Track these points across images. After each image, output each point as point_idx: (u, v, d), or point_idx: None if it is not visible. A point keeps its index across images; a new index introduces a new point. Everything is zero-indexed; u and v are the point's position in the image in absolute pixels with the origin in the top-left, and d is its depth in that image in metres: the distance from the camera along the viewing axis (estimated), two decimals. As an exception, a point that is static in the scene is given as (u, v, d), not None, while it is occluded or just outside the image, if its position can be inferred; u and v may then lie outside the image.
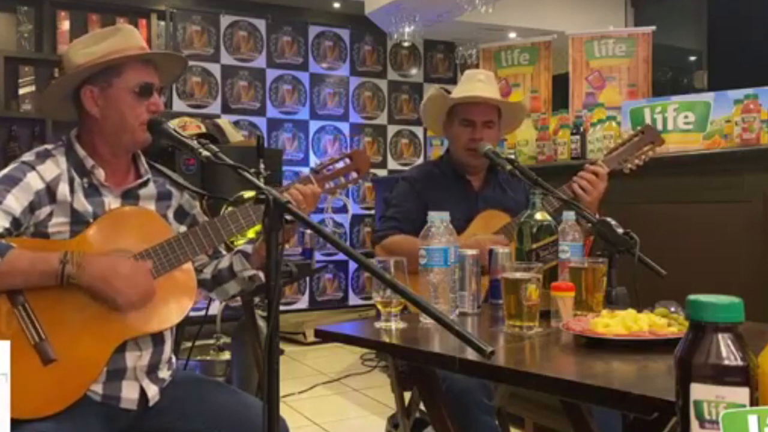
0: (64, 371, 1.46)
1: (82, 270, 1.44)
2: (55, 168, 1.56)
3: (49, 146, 1.62)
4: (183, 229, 1.72)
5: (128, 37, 1.62)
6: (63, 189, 1.54)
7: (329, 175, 1.72)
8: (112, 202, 1.60)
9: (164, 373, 1.65)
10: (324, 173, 1.72)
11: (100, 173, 1.60)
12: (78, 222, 1.54)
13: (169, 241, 1.56)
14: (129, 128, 1.59)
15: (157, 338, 1.61)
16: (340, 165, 1.74)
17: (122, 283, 1.46)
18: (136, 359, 1.57)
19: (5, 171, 1.54)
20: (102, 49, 1.59)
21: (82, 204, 1.56)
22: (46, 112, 1.74)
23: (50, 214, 1.52)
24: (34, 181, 1.52)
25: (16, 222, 1.48)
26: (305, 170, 5.59)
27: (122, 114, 1.58)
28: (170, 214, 1.72)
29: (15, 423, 1.38)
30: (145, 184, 1.68)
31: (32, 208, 1.51)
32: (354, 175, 1.75)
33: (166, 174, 1.75)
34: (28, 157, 1.57)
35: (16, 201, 1.48)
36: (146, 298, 1.51)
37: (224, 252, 1.81)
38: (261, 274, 1.69)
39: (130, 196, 1.64)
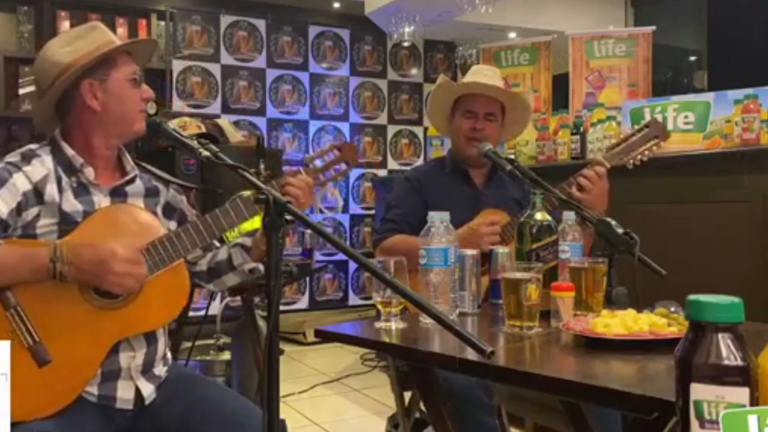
0: (59, 373, 1.45)
1: (74, 267, 1.43)
2: (42, 168, 1.54)
3: (33, 146, 1.59)
4: (173, 224, 1.71)
5: (106, 33, 1.63)
6: (51, 190, 1.52)
7: (320, 168, 1.73)
8: (101, 200, 1.59)
9: (160, 370, 1.65)
10: (314, 165, 1.73)
11: (90, 172, 1.58)
12: (67, 222, 1.52)
13: (161, 239, 1.55)
14: (129, 117, 1.60)
15: (150, 337, 1.60)
16: (329, 157, 1.75)
17: (118, 278, 1.44)
18: (130, 359, 1.56)
19: None
20: (87, 45, 1.58)
21: (72, 204, 1.54)
22: (40, 124, 1.71)
23: (37, 216, 1.51)
24: (20, 183, 1.49)
25: (3, 224, 1.47)
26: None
27: (123, 103, 1.59)
28: (159, 210, 1.71)
29: (11, 425, 1.38)
30: (131, 180, 1.67)
31: (19, 209, 1.49)
32: (343, 166, 1.75)
33: (151, 170, 1.74)
34: (12, 158, 1.54)
35: (2, 203, 1.46)
36: (140, 282, 1.49)
37: (217, 244, 1.80)
38: (261, 267, 1.69)
39: (118, 194, 1.63)
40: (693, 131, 2.92)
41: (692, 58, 5.69)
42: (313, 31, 5.68)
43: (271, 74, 5.51)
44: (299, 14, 5.65)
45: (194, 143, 1.52)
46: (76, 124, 1.61)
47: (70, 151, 1.58)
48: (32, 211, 1.50)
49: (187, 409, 1.59)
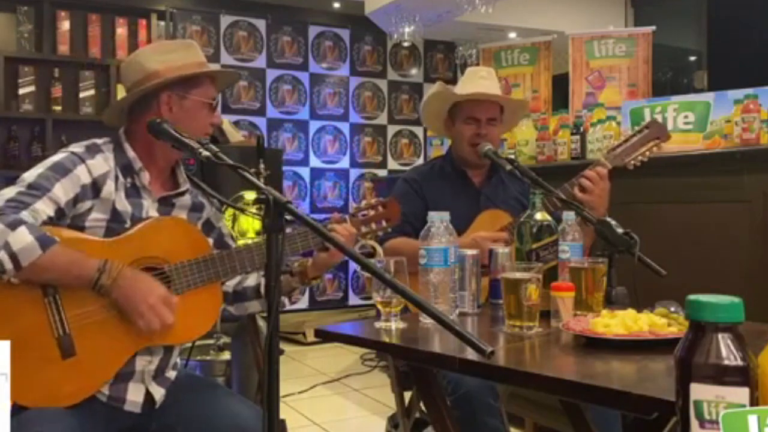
0: (80, 368, 1.47)
1: (116, 285, 1.46)
2: (104, 164, 1.58)
3: (97, 141, 1.63)
4: (209, 241, 1.73)
5: (199, 53, 1.70)
6: (109, 186, 1.56)
7: (363, 219, 1.76)
8: (149, 206, 1.62)
9: (170, 373, 1.67)
10: (359, 217, 1.76)
11: (146, 176, 1.62)
12: (115, 221, 1.56)
13: (205, 258, 1.58)
14: (194, 137, 1.61)
15: (169, 345, 1.62)
16: (373, 211, 1.79)
17: (147, 310, 1.47)
18: (145, 364, 1.58)
19: (55, 159, 1.55)
20: (177, 60, 1.63)
21: (123, 203, 1.58)
22: (109, 118, 1.74)
23: (90, 209, 1.54)
24: (82, 175, 1.53)
25: (60, 212, 1.50)
26: (305, 171, 5.60)
27: (194, 123, 1.63)
28: (199, 225, 1.74)
29: (20, 409, 1.39)
30: (181, 194, 1.70)
31: (75, 200, 1.52)
32: (384, 224, 1.79)
33: (200, 186, 1.77)
34: (77, 148, 1.58)
35: (63, 191, 1.50)
36: (165, 330, 1.51)
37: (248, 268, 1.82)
38: (286, 300, 1.74)
39: (166, 204, 1.67)
40: (693, 131, 2.92)
41: (692, 58, 5.69)
42: (313, 31, 5.68)
43: (271, 74, 5.52)
44: (299, 14, 5.65)
45: (194, 143, 1.52)
46: (144, 129, 1.63)
47: (131, 153, 1.63)
48: (86, 204, 1.54)
49: (194, 411, 1.60)
